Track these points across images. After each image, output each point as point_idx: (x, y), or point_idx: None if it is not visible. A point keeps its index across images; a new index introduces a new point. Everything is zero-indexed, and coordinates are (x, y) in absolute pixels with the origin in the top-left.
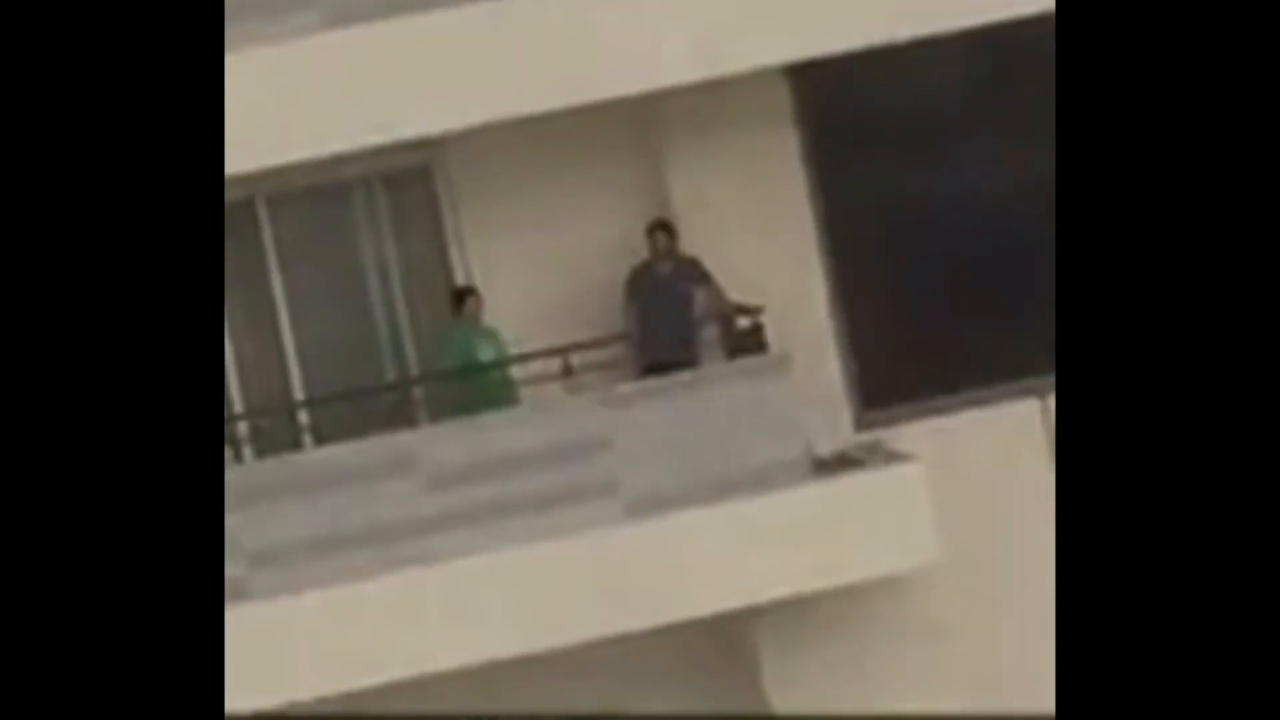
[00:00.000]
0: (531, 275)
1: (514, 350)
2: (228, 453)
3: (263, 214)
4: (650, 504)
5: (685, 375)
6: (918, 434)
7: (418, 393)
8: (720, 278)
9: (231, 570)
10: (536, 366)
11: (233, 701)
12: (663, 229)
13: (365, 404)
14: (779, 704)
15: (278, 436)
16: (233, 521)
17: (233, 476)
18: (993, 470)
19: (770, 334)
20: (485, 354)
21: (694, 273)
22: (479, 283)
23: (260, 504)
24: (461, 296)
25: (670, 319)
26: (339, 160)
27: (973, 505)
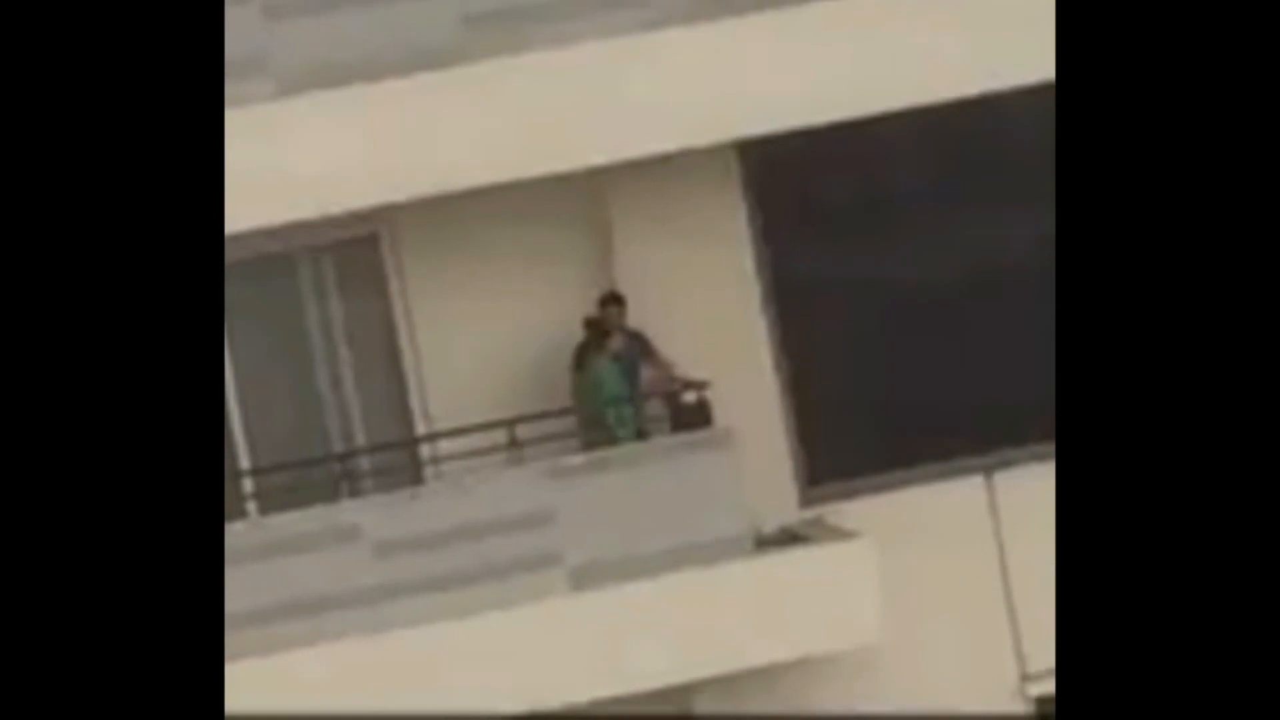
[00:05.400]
0: (478, 346)
1: (459, 422)
2: None
3: None
4: (594, 576)
5: (630, 448)
6: (863, 511)
7: (364, 463)
8: (667, 352)
9: None
10: (482, 438)
11: None
12: (615, 302)
13: (310, 473)
14: None
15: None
16: None
17: None
18: (940, 548)
19: (716, 409)
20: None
21: (639, 347)
22: (425, 353)
23: None
24: (604, 330)
25: None
26: (287, 229)
27: (919, 583)
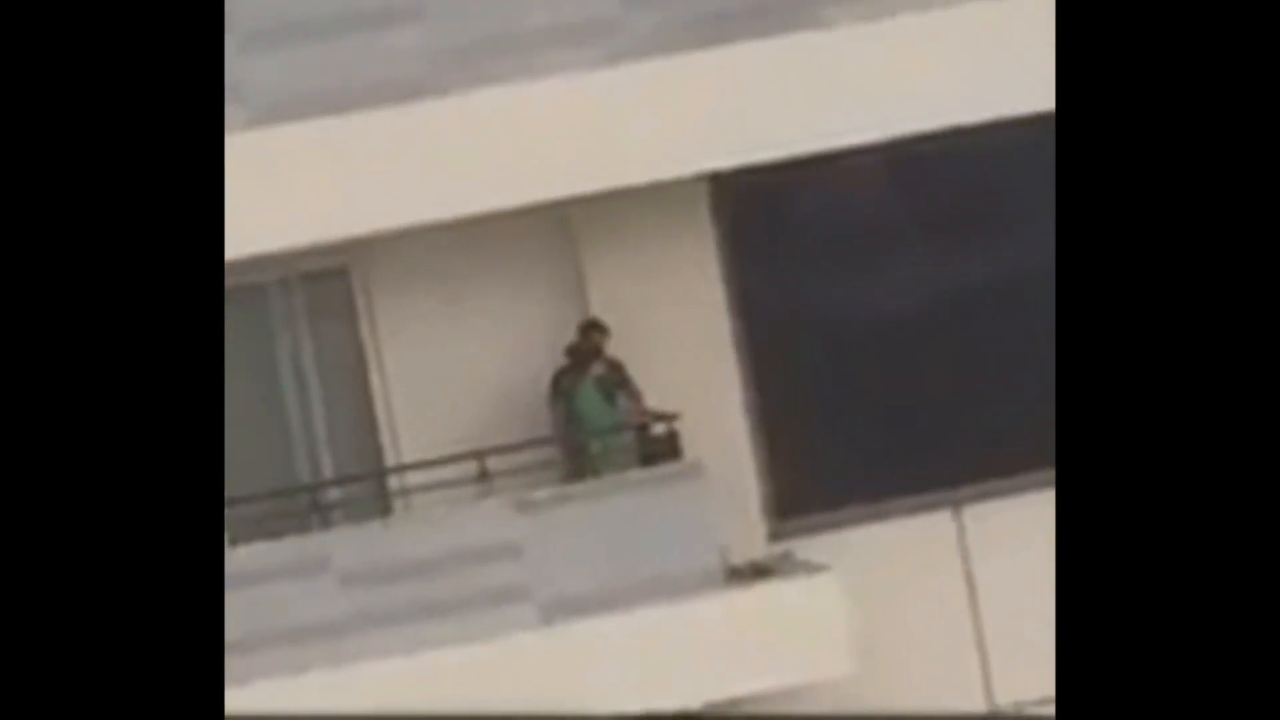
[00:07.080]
0: (448, 378)
1: (429, 454)
2: None
3: None
4: (563, 609)
5: (599, 482)
6: (832, 544)
7: (333, 494)
8: (637, 384)
9: None
10: (452, 470)
11: None
12: (598, 329)
13: (279, 504)
14: None
15: None
16: None
17: None
18: (908, 581)
19: (685, 442)
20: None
21: (615, 376)
22: (395, 385)
23: None
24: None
25: None
26: (258, 260)
27: (887, 616)
